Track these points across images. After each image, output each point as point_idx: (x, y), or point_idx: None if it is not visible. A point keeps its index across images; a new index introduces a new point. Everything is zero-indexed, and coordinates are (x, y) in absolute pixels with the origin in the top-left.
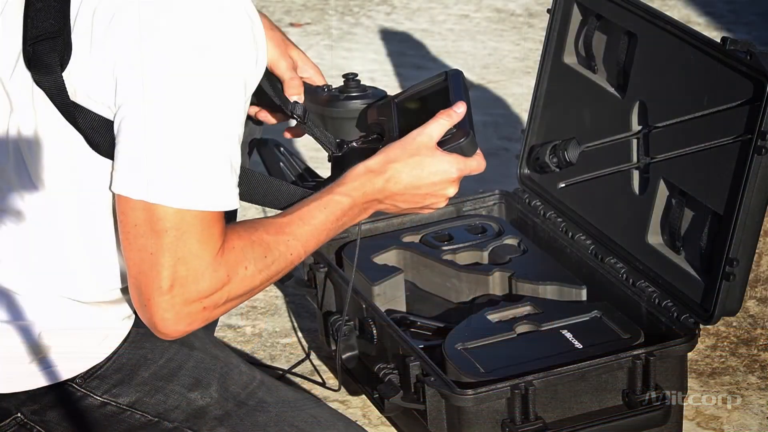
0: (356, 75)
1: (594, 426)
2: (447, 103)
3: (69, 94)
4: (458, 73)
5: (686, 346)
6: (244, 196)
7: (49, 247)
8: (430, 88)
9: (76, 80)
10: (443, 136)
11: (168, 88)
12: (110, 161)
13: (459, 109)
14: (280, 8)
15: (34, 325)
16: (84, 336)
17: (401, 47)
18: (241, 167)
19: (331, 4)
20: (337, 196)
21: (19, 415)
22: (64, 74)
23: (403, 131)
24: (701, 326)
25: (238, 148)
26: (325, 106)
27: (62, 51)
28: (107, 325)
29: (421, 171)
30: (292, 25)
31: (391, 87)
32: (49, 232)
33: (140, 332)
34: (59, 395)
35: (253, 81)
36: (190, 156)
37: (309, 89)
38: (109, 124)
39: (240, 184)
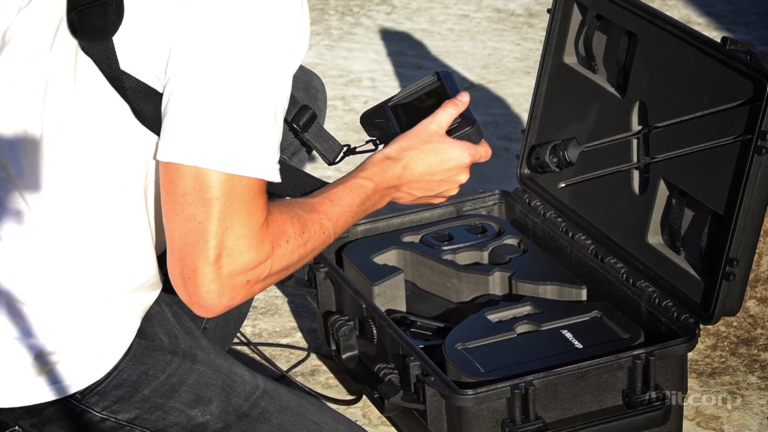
0: None
1: (594, 426)
2: (445, 99)
3: (118, 60)
4: (449, 73)
5: (686, 346)
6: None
7: (56, 251)
8: (424, 88)
9: (126, 47)
10: (451, 125)
11: (223, 59)
12: (152, 135)
13: (464, 98)
14: None
15: (36, 340)
16: (85, 351)
17: (401, 47)
18: None
19: (331, 4)
20: (361, 180)
21: (17, 428)
22: (114, 39)
23: (405, 131)
24: (701, 326)
25: (282, 122)
26: None
27: (114, 16)
28: (109, 339)
29: (435, 158)
30: None
31: (391, 87)
32: (59, 232)
33: (143, 345)
34: (58, 409)
35: (301, 58)
36: (243, 124)
37: None
38: (155, 93)
39: None
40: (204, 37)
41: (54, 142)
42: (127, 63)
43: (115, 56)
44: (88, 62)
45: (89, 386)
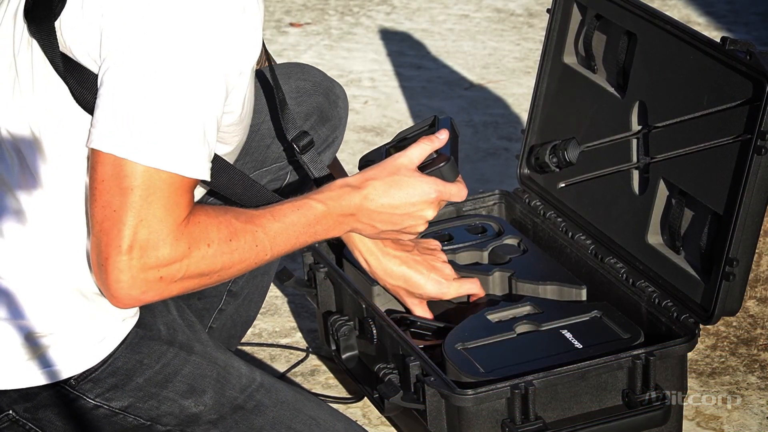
0: None
1: (594, 426)
2: None
3: (60, 44)
4: (448, 118)
5: (686, 346)
6: (222, 189)
7: (49, 236)
8: (419, 132)
9: (67, 31)
10: (425, 161)
11: (150, 49)
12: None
13: (441, 136)
14: (280, 8)
15: (31, 323)
16: (81, 337)
17: (401, 47)
18: (224, 164)
19: (331, 4)
20: (312, 201)
21: (11, 412)
22: (55, 23)
23: None
24: (701, 326)
25: (214, 124)
26: None
27: (58, 1)
28: (106, 327)
29: (399, 191)
30: (292, 25)
31: (391, 87)
32: (50, 219)
33: (140, 334)
34: (52, 395)
35: (241, 62)
36: (164, 117)
37: None
38: (95, 78)
39: (220, 177)
40: (130, 25)
41: (29, 131)
42: (67, 47)
43: (56, 40)
44: (37, 48)
45: (83, 372)
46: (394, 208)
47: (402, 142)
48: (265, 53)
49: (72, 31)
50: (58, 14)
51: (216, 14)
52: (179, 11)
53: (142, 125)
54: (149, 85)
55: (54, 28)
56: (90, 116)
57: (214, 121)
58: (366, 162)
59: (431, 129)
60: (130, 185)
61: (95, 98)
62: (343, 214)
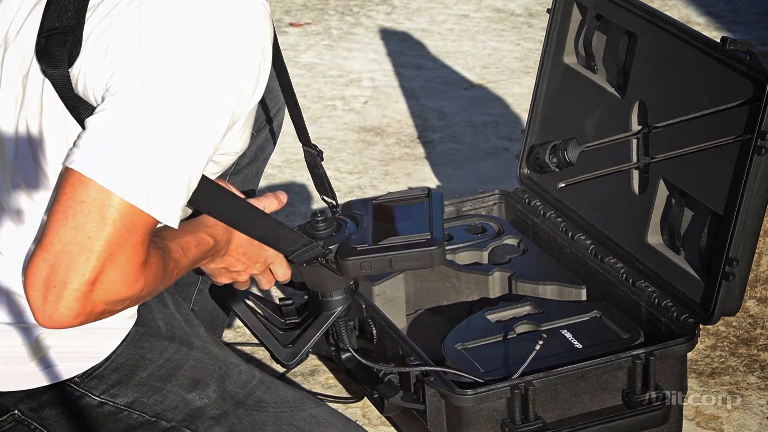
0: (323, 215)
1: (594, 426)
2: (423, 215)
3: (74, 87)
4: (439, 195)
5: (686, 346)
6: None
7: None
8: (409, 199)
9: (82, 76)
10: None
11: (157, 94)
12: None
13: (283, 198)
14: (280, 8)
15: (34, 325)
16: (83, 336)
17: (401, 47)
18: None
19: (331, 4)
20: (206, 236)
21: (16, 412)
22: (71, 69)
23: (376, 228)
24: (701, 326)
25: (200, 173)
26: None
27: (72, 46)
28: (107, 325)
29: (251, 247)
30: (292, 25)
31: (391, 87)
32: None
33: (140, 331)
34: (57, 394)
35: (245, 107)
36: (163, 163)
37: None
38: None
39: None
40: (144, 72)
41: (24, 159)
42: (83, 91)
43: (71, 84)
44: (50, 86)
45: (87, 370)
46: (244, 254)
47: (389, 201)
48: None
49: (88, 77)
50: (73, 61)
51: (234, 66)
52: (196, 65)
53: (141, 166)
54: (151, 130)
55: (68, 74)
56: None
57: (201, 170)
58: (350, 209)
59: (424, 199)
60: (112, 217)
61: None
62: (219, 250)
